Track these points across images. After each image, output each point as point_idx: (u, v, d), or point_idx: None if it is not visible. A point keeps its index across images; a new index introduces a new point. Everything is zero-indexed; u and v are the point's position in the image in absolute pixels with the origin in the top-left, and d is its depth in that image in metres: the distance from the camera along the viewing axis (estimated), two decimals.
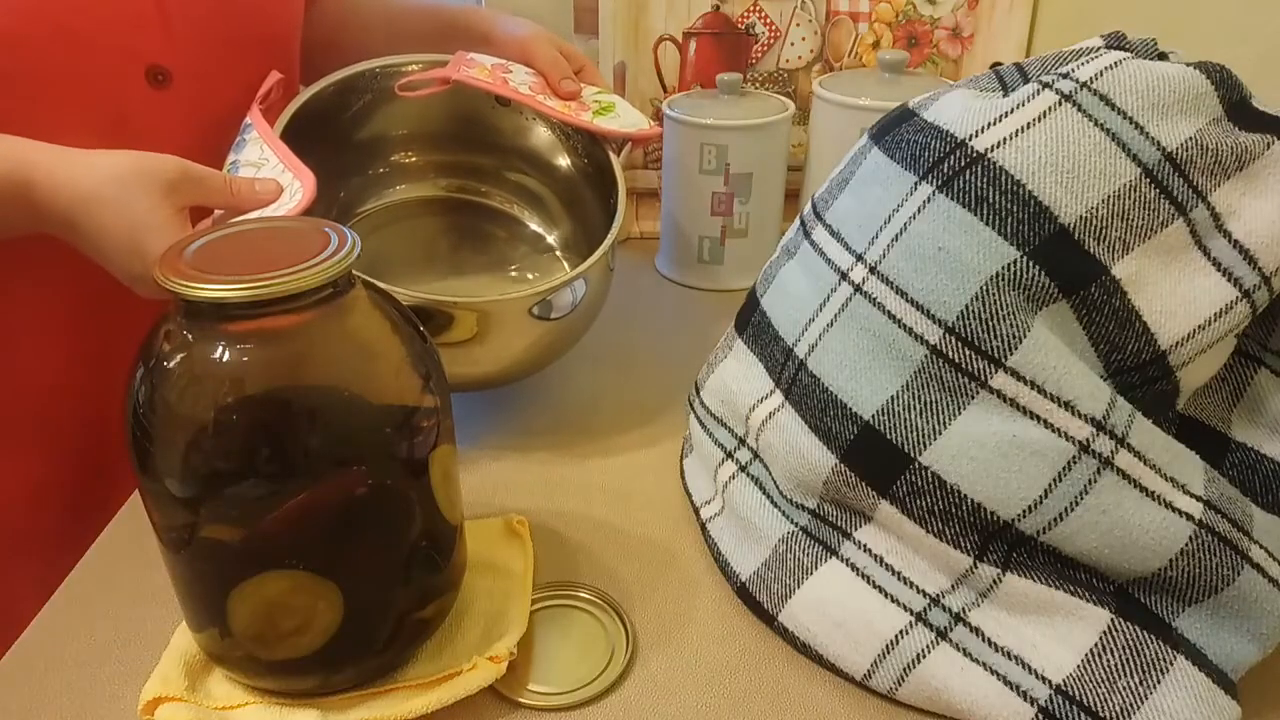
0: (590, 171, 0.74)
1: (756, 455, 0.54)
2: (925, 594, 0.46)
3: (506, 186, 0.79)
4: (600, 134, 0.70)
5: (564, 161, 0.77)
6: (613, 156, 0.69)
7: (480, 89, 0.69)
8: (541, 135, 0.77)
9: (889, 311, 0.45)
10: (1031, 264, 0.43)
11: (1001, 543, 0.44)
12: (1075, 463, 0.42)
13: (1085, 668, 0.42)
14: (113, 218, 0.49)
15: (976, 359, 0.43)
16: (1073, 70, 0.45)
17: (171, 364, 0.39)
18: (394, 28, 0.79)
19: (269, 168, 0.56)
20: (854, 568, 0.48)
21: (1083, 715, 0.41)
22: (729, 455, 0.56)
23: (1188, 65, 0.44)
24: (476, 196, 0.79)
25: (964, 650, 0.44)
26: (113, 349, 0.65)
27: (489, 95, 0.72)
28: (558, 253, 0.79)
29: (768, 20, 0.92)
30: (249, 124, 0.61)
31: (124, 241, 0.50)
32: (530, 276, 0.77)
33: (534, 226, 0.79)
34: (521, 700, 0.46)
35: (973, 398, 0.43)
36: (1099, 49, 0.46)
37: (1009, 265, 0.43)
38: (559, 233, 0.79)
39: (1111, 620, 0.43)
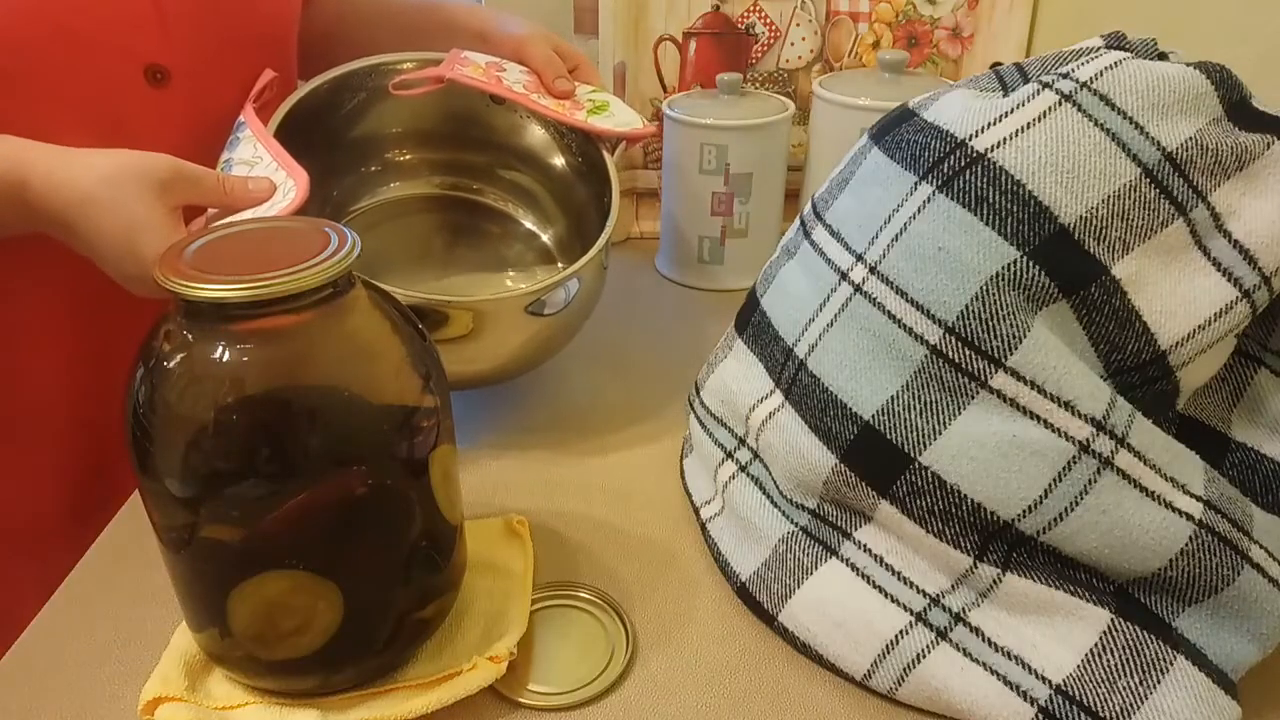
0: (584, 170, 0.74)
1: (756, 455, 0.54)
2: (925, 594, 0.46)
3: (501, 184, 0.80)
4: (594, 133, 0.70)
5: (558, 160, 0.77)
6: (607, 155, 0.69)
7: (474, 88, 0.69)
8: (536, 133, 0.77)
9: (889, 311, 0.45)
10: (1031, 264, 0.43)
11: (1001, 543, 0.44)
12: (1075, 463, 0.42)
13: (1085, 668, 0.42)
14: (108, 218, 0.49)
15: (976, 359, 0.43)
16: (1073, 70, 0.45)
17: (171, 364, 0.39)
18: (391, 24, 0.79)
19: (262, 166, 0.56)
20: (854, 568, 0.48)
21: (1083, 715, 0.41)
22: (729, 455, 0.56)
23: (1188, 65, 0.44)
24: (470, 194, 0.79)
25: (964, 650, 0.44)
26: (113, 349, 0.65)
27: (483, 94, 0.73)
28: (552, 251, 0.79)
29: (768, 20, 0.92)
30: (242, 122, 0.61)
31: (119, 241, 0.50)
32: (524, 274, 0.77)
33: (528, 224, 0.79)
34: (521, 700, 0.46)
35: (973, 398, 0.43)
36: (1099, 49, 0.46)
37: (1009, 265, 0.43)
38: (553, 231, 0.79)
39: (1111, 620, 0.43)
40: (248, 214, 0.54)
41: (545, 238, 0.79)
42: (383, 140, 0.76)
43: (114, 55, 0.60)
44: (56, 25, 0.56)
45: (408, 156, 0.78)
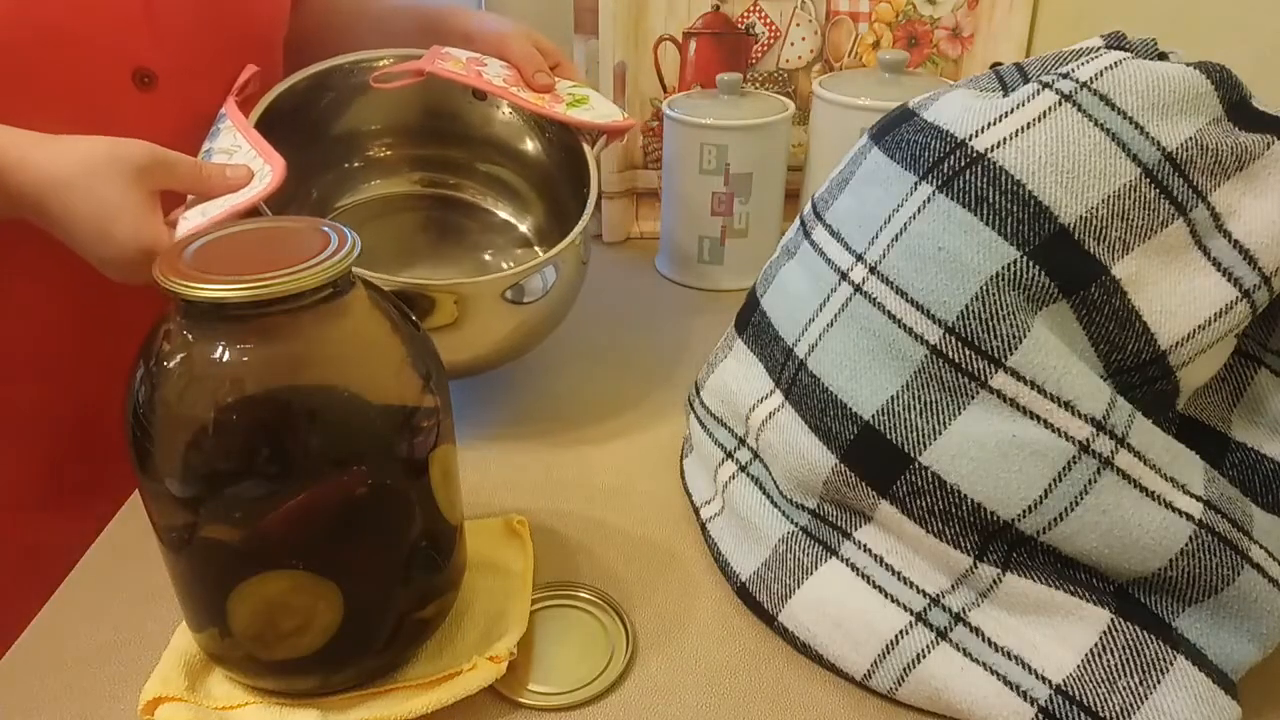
0: (566, 164, 0.74)
1: (756, 455, 0.54)
2: (925, 594, 0.46)
3: (483, 180, 0.80)
4: (574, 125, 0.71)
5: (540, 155, 0.77)
6: (587, 149, 0.70)
7: (455, 81, 0.69)
8: (516, 128, 0.77)
9: (889, 311, 0.45)
10: (1031, 264, 0.43)
11: (1001, 543, 0.44)
12: (1075, 463, 0.42)
13: (1085, 668, 0.42)
14: (83, 202, 0.50)
15: (976, 359, 0.43)
16: (1073, 70, 0.45)
17: (171, 364, 0.39)
18: (378, 26, 0.80)
19: (241, 154, 0.57)
20: (854, 568, 0.48)
21: (1083, 715, 0.41)
22: (729, 455, 0.56)
23: (1188, 65, 0.44)
24: (453, 191, 0.80)
25: (964, 650, 0.44)
26: (104, 340, 0.66)
27: (463, 89, 0.73)
28: (534, 244, 0.79)
29: (768, 20, 0.92)
30: (224, 114, 0.62)
31: (94, 225, 0.50)
32: (505, 265, 0.78)
33: (511, 219, 0.80)
34: (521, 700, 0.46)
35: (973, 398, 0.43)
36: (1099, 49, 0.46)
37: (1009, 265, 0.43)
38: (535, 225, 0.79)
39: (1111, 620, 0.43)
40: (223, 200, 0.54)
41: (525, 229, 0.79)
42: (363, 136, 0.77)
43: (102, 58, 0.60)
44: (45, 27, 0.57)
45: (388, 153, 0.78)
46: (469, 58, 0.71)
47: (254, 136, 0.58)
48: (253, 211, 0.54)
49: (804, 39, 0.93)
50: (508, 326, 0.63)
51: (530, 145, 0.78)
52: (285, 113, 0.65)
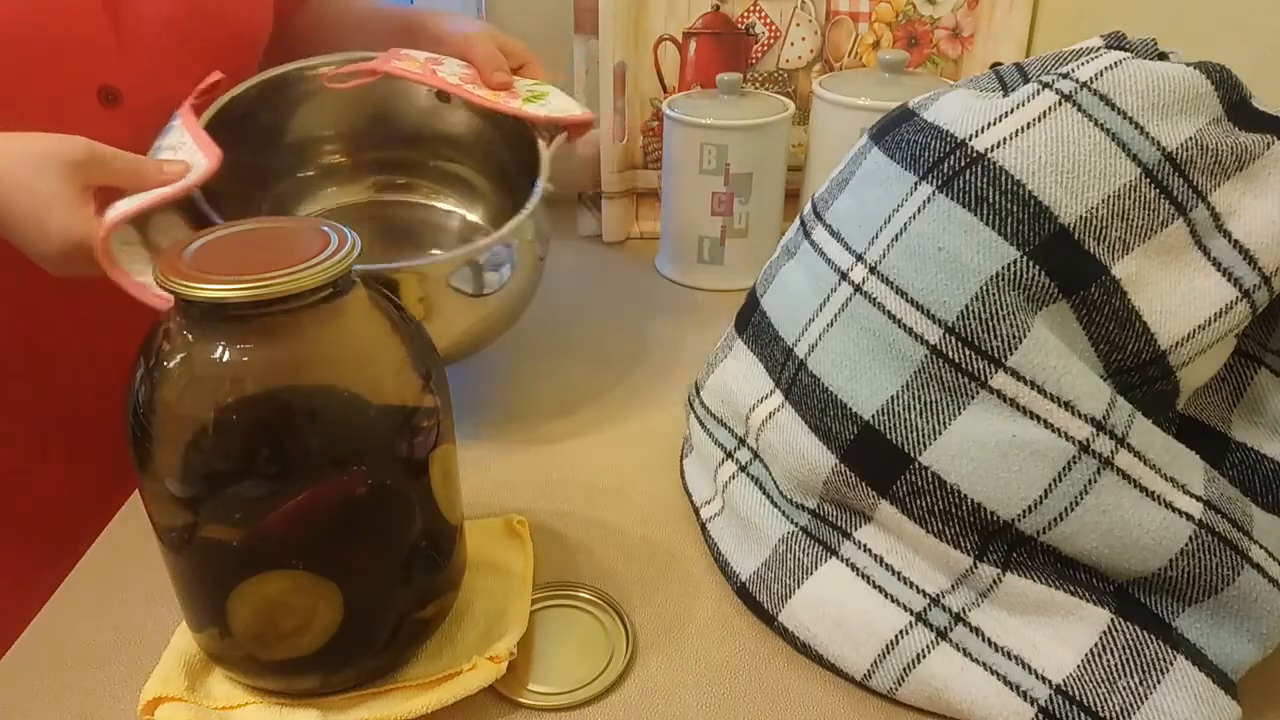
0: (525, 161, 0.74)
1: (756, 455, 0.54)
2: (925, 594, 0.46)
3: (440, 181, 0.79)
4: (528, 120, 0.71)
5: (501, 153, 0.77)
6: (541, 146, 0.69)
7: (409, 80, 0.69)
8: (477, 128, 0.77)
9: (889, 311, 0.45)
10: (1031, 264, 0.43)
11: (1001, 543, 0.44)
12: (1075, 463, 0.42)
13: (1085, 668, 0.42)
14: (20, 196, 0.50)
15: (976, 359, 0.43)
16: (1073, 70, 0.45)
17: (171, 364, 0.39)
18: (360, 28, 0.80)
19: (185, 150, 0.58)
20: (854, 568, 0.48)
21: (1083, 715, 0.41)
22: (729, 455, 0.56)
23: (1188, 65, 0.44)
24: (408, 195, 0.79)
25: (964, 650, 0.44)
26: (53, 336, 0.66)
27: (418, 91, 0.73)
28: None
29: (768, 20, 0.92)
30: (178, 114, 0.63)
31: (30, 220, 0.51)
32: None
33: (464, 212, 0.80)
34: (521, 700, 0.46)
35: (973, 398, 0.43)
36: (1099, 49, 0.46)
37: (1009, 265, 0.43)
38: (493, 222, 0.79)
39: (1111, 620, 0.43)
40: (158, 190, 0.54)
41: (477, 218, 0.79)
42: (315, 143, 0.76)
43: (68, 76, 0.60)
44: (11, 43, 0.57)
45: (341, 159, 0.78)
46: (426, 58, 0.72)
47: (196, 131, 0.59)
48: (185, 199, 0.54)
49: (804, 39, 0.93)
50: (467, 321, 0.62)
51: (489, 142, 0.77)
52: (237, 118, 0.65)
